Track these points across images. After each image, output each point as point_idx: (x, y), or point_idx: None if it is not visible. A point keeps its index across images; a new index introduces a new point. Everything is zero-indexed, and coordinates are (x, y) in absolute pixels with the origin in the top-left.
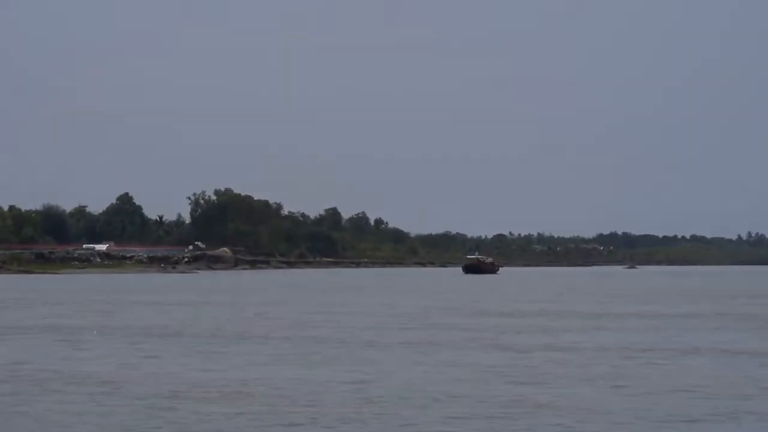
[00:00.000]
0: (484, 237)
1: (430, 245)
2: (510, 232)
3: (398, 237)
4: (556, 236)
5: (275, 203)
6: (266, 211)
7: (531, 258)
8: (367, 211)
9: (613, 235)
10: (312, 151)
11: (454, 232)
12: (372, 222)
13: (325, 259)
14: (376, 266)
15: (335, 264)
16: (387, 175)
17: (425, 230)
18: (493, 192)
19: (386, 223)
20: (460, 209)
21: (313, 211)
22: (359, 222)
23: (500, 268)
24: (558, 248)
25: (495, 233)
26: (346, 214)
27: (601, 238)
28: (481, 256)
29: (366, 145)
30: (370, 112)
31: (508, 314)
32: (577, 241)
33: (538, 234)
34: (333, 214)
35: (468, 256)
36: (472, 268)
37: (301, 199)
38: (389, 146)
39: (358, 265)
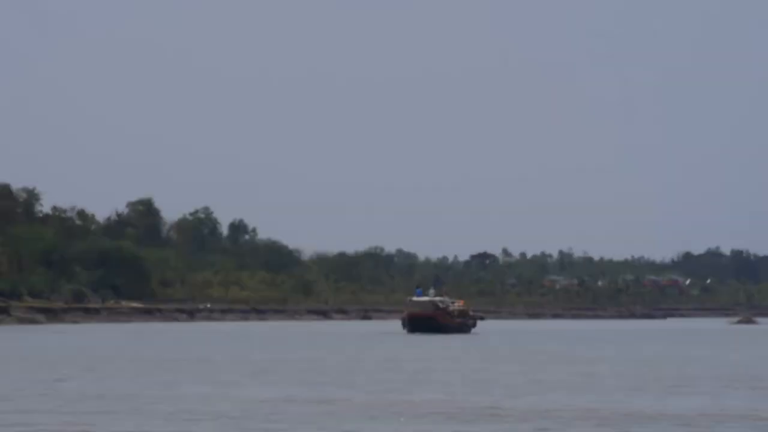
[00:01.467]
0: (452, 259)
1: (341, 275)
2: (505, 250)
3: (279, 259)
4: (596, 259)
5: (24, 190)
6: (7, 207)
7: (545, 301)
8: (214, 208)
9: (711, 258)
10: (103, 105)
11: (390, 249)
12: (225, 229)
13: (126, 303)
14: (232, 318)
15: (147, 313)
16: (261, 143)
17: (332, 247)
18: (473, 181)
19: (254, 230)
20: (401, 207)
21: (105, 207)
22: (198, 228)
23: (479, 322)
24: (600, 282)
25: (473, 252)
26: (170, 213)
27: (686, 263)
28: (441, 298)
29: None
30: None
31: (468, 417)
32: (638, 267)
33: (560, 254)
34: (144, 214)
35: (414, 299)
36: (420, 323)
37: (81, 185)
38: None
39: (192, 315)
